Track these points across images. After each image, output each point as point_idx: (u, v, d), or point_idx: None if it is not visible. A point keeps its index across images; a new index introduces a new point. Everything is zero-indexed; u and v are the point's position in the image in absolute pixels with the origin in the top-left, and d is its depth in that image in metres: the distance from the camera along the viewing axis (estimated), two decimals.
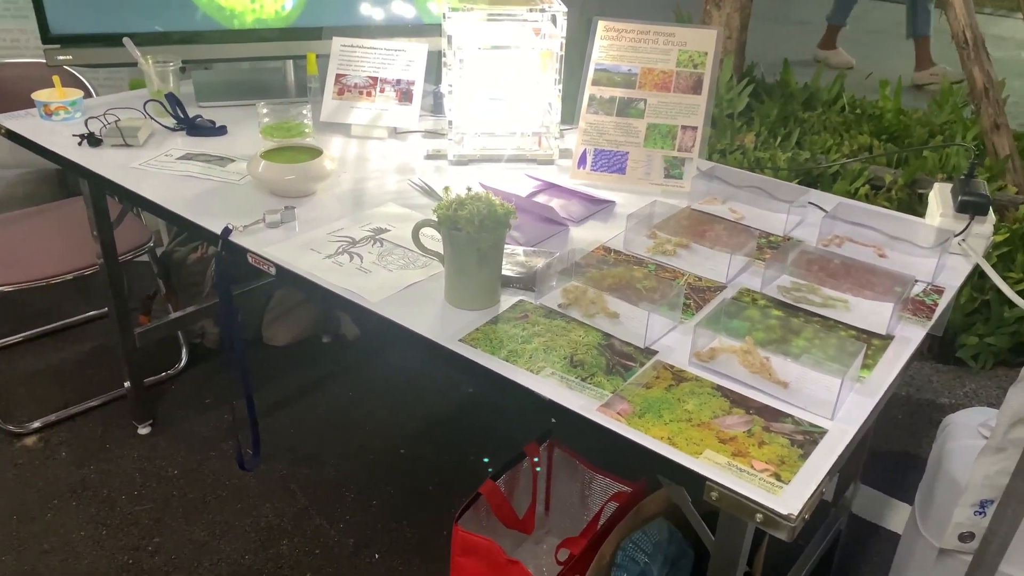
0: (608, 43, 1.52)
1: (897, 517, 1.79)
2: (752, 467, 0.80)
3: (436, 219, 1.06)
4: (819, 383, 0.92)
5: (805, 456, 0.82)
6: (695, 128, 1.48)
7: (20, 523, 1.72)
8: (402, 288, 1.13)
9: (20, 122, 1.68)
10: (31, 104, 1.72)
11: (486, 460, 1.90)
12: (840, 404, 0.89)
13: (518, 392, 0.93)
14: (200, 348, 2.30)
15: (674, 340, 1.01)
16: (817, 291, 1.12)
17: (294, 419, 2.05)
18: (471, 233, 1.03)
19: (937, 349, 2.35)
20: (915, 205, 2.37)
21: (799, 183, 2.15)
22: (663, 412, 0.87)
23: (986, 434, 1.32)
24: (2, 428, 1.97)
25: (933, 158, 2.51)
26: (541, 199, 1.41)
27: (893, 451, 1.99)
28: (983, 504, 1.14)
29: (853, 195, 2.37)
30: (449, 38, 1.53)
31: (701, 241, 1.24)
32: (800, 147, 2.65)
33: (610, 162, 1.49)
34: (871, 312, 1.08)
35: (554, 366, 0.95)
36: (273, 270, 1.20)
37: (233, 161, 1.54)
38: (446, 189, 1.10)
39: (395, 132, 1.72)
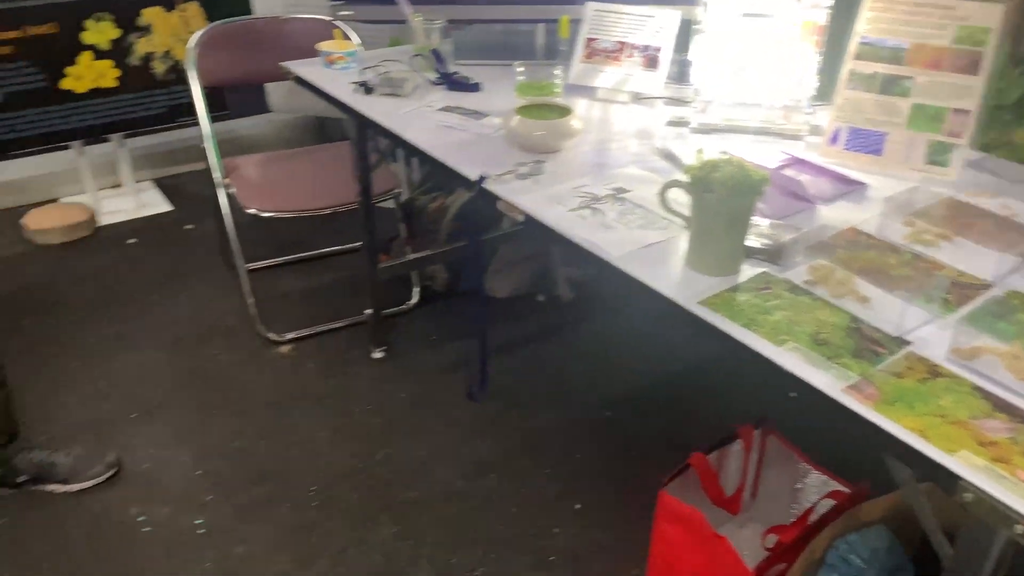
0: (876, 15, 1.44)
1: None
2: (1015, 475, 0.75)
3: (687, 180, 1.08)
4: None
5: None
6: (967, 112, 1.37)
7: (274, 417, 1.97)
8: (642, 246, 1.16)
9: (306, 69, 1.88)
10: (313, 54, 1.92)
11: None
12: None
13: (756, 362, 0.94)
14: (429, 290, 2.47)
15: (930, 333, 0.96)
16: None
17: (507, 367, 2.17)
18: (722, 196, 1.04)
19: None
20: None
21: None
22: (915, 404, 0.84)
23: None
24: (263, 336, 2.25)
25: None
26: (789, 174, 1.37)
27: None
28: None
29: None
30: (705, 4, 1.52)
31: (966, 234, 1.16)
32: None
33: (866, 142, 1.42)
34: None
35: (798, 341, 0.94)
36: (522, 218, 1.28)
37: (487, 116, 1.64)
38: (699, 151, 1.11)
39: (638, 97, 1.74)
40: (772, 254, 1.10)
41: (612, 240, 1.18)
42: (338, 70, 1.87)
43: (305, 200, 2.17)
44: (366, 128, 1.89)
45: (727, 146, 1.50)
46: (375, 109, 1.66)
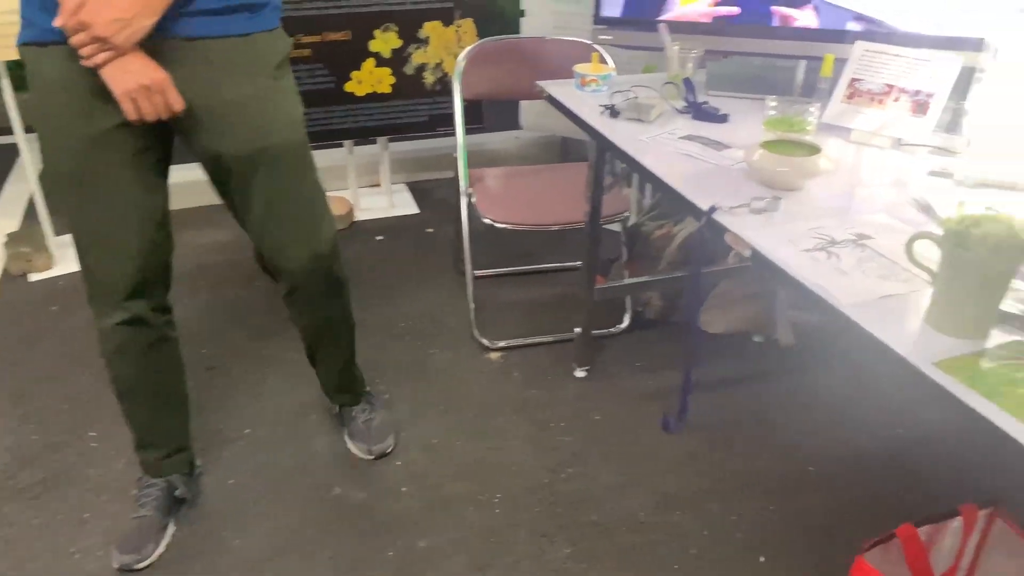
0: None
1: None
2: None
3: (941, 233, 1.00)
4: None
5: None
6: None
7: (474, 419, 2.05)
8: (878, 297, 1.09)
9: (560, 89, 1.96)
10: (570, 76, 2.00)
11: None
12: None
13: (993, 436, 0.84)
14: (641, 316, 2.46)
15: None
16: None
17: (712, 404, 2.10)
18: (980, 255, 0.95)
19: None
20: None
21: None
22: None
23: None
24: (478, 340, 2.36)
25: None
26: None
27: None
28: None
29: None
30: (995, 51, 1.39)
31: None
32: None
33: None
34: None
35: None
36: (748, 252, 1.24)
37: (728, 148, 1.61)
38: (960, 204, 1.02)
39: (898, 144, 1.63)
40: None
41: (844, 286, 1.11)
42: (589, 92, 1.93)
43: (538, 215, 2.26)
44: (605, 151, 1.94)
45: (997, 204, 1.36)
46: (617, 132, 1.70)
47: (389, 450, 1.92)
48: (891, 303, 1.07)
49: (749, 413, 2.07)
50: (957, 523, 1.36)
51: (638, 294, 2.47)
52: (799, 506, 1.78)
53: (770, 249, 1.22)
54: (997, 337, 0.99)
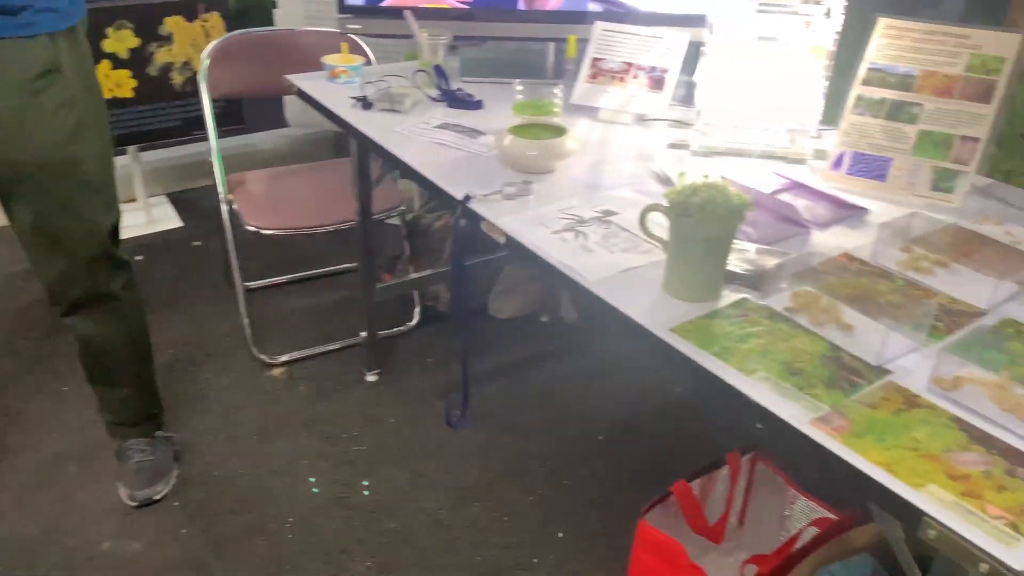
0: (888, 42, 1.40)
1: None
2: (984, 511, 0.69)
3: (665, 204, 1.03)
4: None
5: None
6: (976, 140, 1.31)
7: (259, 443, 1.92)
8: (621, 271, 1.12)
9: (310, 83, 1.87)
10: (321, 67, 1.91)
11: None
12: None
13: (725, 392, 0.88)
14: (432, 311, 2.43)
15: (913, 362, 0.90)
16: None
17: (504, 389, 2.12)
18: (700, 221, 0.99)
19: None
20: None
21: None
22: (886, 436, 0.78)
23: None
24: (257, 357, 2.21)
25: None
26: (785, 198, 1.32)
27: None
28: None
29: None
30: (712, 26, 1.49)
31: (964, 261, 1.09)
32: None
33: (869, 167, 1.37)
34: None
35: (769, 370, 0.89)
36: (503, 239, 1.24)
37: (484, 134, 1.61)
38: (681, 175, 1.07)
39: (641, 119, 1.70)
40: (754, 280, 1.05)
41: (590, 264, 1.13)
42: (341, 84, 1.86)
43: (306, 217, 2.15)
44: (366, 144, 1.88)
45: (728, 169, 1.45)
46: (371, 124, 1.65)
47: (157, 497, 1.74)
48: (632, 275, 1.11)
49: (538, 393, 2.11)
50: (725, 471, 1.45)
51: (424, 288, 2.44)
52: (591, 477, 1.83)
53: (521, 233, 1.22)
54: (728, 297, 1.04)
